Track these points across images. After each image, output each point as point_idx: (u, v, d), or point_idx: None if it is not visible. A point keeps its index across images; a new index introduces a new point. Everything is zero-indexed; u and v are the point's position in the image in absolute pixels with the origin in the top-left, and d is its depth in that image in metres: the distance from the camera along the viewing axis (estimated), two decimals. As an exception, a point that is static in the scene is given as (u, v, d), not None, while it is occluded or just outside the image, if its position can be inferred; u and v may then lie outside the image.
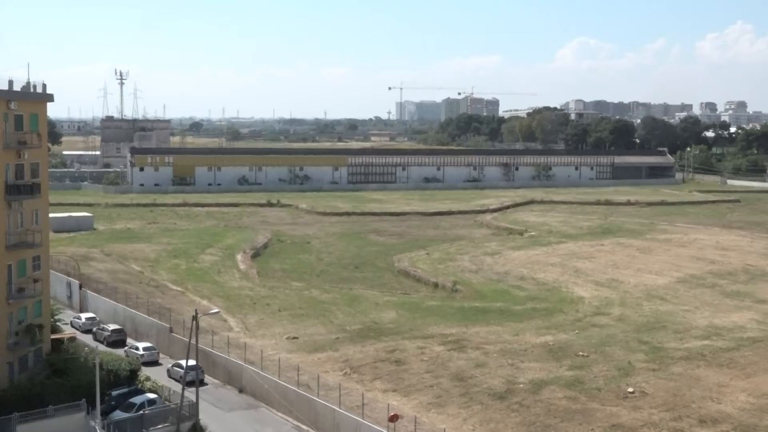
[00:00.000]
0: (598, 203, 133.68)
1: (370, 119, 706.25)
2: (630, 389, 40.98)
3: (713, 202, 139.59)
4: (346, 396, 38.92)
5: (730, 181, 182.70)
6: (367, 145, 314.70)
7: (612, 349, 48.42)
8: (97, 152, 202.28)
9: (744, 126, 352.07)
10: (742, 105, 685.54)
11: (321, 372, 42.71)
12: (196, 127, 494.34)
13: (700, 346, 49.27)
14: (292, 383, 40.62)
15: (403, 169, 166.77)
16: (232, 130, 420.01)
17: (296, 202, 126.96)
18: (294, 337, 51.28)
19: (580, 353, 47.40)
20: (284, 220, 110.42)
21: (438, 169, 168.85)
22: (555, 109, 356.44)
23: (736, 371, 44.31)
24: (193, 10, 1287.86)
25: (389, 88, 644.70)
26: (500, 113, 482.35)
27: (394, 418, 35.60)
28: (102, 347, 47.96)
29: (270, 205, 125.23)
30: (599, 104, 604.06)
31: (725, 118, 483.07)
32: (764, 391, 40.75)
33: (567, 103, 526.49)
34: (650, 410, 38.16)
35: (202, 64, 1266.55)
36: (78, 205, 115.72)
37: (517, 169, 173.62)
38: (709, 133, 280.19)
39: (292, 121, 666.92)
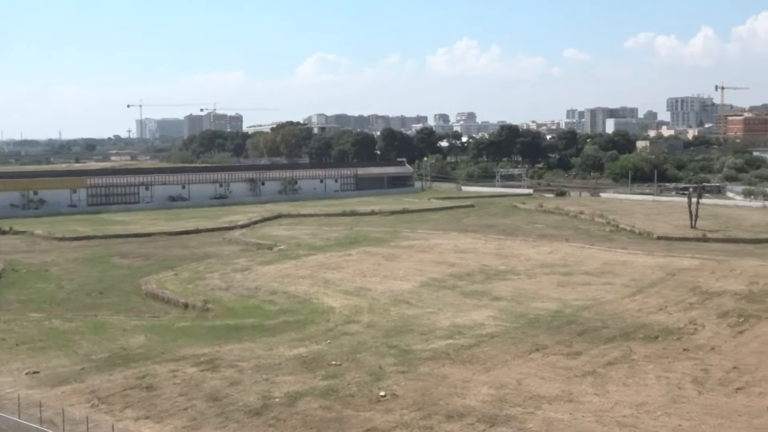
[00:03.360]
0: (344, 214, 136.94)
1: (110, 138, 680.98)
2: (382, 393, 42.20)
3: (450, 208, 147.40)
4: (95, 428, 37.11)
5: (464, 188, 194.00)
6: (107, 165, 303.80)
7: (363, 356, 49.67)
8: None
9: (474, 135, 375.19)
10: (471, 116, 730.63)
11: (66, 406, 40.40)
12: None
13: (445, 345, 51.70)
14: (33, 420, 38.07)
15: (147, 189, 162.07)
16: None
17: (31, 228, 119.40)
18: (35, 372, 48.11)
19: (333, 362, 48.21)
20: (18, 248, 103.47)
21: (183, 187, 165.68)
22: (298, 123, 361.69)
23: (478, 366, 46.89)
24: None
25: (128, 106, 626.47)
26: (244, 129, 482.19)
27: (147, 447, 34.40)
28: None
29: (1, 232, 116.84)
30: (341, 118, 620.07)
31: (457, 128, 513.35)
32: (503, 383, 43.46)
33: (310, 118, 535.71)
34: (402, 411, 39.50)
35: None
36: None
37: (263, 184, 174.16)
38: (444, 143, 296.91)
39: (24, 143, 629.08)
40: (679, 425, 36.75)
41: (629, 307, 61.94)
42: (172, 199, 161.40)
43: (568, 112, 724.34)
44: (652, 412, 38.49)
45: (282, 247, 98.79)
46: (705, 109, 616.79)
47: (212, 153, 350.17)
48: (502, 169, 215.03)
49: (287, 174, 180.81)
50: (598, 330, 54.98)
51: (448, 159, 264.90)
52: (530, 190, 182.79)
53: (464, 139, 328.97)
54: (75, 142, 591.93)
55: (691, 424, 36.88)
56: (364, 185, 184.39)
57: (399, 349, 51.02)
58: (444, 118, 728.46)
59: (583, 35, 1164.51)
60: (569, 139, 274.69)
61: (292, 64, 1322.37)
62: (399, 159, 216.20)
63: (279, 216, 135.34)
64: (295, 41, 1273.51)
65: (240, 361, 49.19)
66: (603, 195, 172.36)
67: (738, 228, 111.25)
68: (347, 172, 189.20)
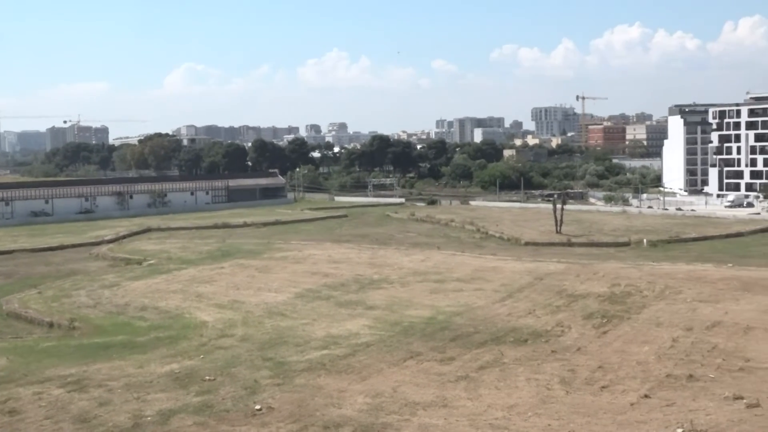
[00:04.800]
0: (215, 227, 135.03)
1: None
2: (257, 406, 41.73)
3: (324, 218, 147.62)
4: (-47, 458, 35.24)
5: (337, 198, 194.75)
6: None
7: (238, 370, 49.02)
8: None
9: (346, 146, 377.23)
10: (343, 126, 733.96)
11: None
12: None
13: (320, 356, 51.59)
14: None
15: (7, 204, 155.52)
16: None
17: None
18: None
19: (207, 377, 47.37)
20: None
21: (46, 202, 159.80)
22: (167, 135, 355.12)
23: (354, 375, 47.00)
24: None
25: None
26: (110, 141, 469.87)
27: (11, 474, 32.92)
28: None
29: None
30: (211, 129, 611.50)
31: (329, 138, 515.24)
32: (379, 391, 43.72)
33: (179, 129, 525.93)
34: (278, 424, 39.18)
35: None
36: None
37: (131, 197, 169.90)
38: (316, 154, 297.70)
39: None
40: (549, 425, 37.87)
41: (499, 312, 63.43)
42: (35, 214, 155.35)
43: (437, 122, 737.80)
44: (523, 414, 39.52)
45: (152, 261, 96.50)
46: (567, 118, 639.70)
47: (77, 166, 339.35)
48: (374, 179, 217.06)
49: (156, 187, 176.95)
50: (470, 335, 56.06)
51: (321, 170, 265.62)
52: (402, 200, 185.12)
53: (336, 149, 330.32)
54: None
55: (560, 423, 38.07)
56: (236, 197, 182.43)
57: (274, 362, 50.61)
58: (316, 128, 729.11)
59: (451, 47, 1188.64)
60: (439, 148, 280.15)
61: (160, 75, 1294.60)
62: (271, 170, 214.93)
63: (148, 230, 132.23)
64: (162, 51, 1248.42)
65: (109, 380, 47.70)
66: (473, 203, 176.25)
67: (600, 232, 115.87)
68: (218, 184, 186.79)
